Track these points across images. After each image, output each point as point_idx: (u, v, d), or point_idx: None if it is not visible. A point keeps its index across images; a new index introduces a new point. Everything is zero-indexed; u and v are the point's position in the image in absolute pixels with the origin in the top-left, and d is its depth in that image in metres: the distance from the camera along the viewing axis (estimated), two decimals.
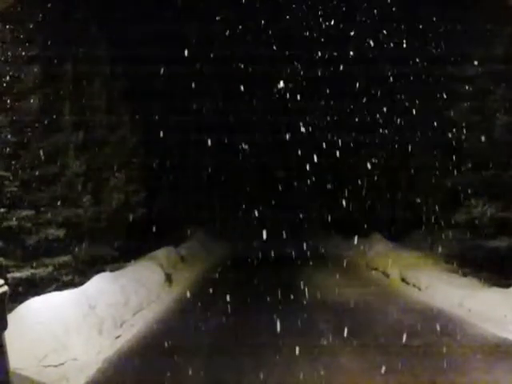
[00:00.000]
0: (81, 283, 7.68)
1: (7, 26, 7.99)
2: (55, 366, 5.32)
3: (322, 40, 15.42)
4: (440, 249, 10.93)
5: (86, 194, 9.64)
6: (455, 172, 10.35)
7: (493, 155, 9.32)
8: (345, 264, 13.14)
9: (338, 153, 17.80)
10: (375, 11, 13.03)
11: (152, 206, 12.08)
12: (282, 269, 12.59)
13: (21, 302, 6.13)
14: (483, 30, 9.65)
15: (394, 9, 12.51)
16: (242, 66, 16.25)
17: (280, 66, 16.34)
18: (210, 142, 17.77)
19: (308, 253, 15.59)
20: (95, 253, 9.12)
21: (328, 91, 16.14)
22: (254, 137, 19.41)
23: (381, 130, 15.37)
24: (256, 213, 18.58)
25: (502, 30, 9.12)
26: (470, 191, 9.78)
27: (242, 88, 14.90)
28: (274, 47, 15.31)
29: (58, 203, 8.52)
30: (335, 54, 15.12)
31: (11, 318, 4.74)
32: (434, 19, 11.09)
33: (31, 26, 8.51)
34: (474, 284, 8.40)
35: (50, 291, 7.05)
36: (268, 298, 8.64)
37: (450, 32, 10.98)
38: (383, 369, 5.15)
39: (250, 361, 5.49)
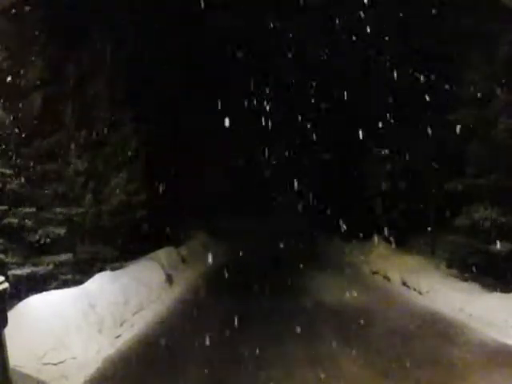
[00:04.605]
0: (81, 282, 7.66)
1: (10, 23, 7.98)
2: (55, 364, 5.31)
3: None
4: (441, 253, 10.91)
5: (87, 192, 9.62)
6: (456, 176, 10.32)
7: (494, 160, 9.30)
8: (345, 267, 13.13)
9: (339, 156, 17.87)
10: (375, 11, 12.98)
11: (153, 205, 12.04)
12: (283, 271, 12.57)
13: (21, 299, 6.12)
14: (484, 33, 9.64)
15: (393, 10, 12.50)
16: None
17: None
18: (211, 142, 17.83)
19: (309, 255, 15.59)
20: (96, 251, 9.09)
21: (331, 91, 16.13)
22: (255, 138, 19.45)
23: (382, 135, 15.36)
24: (257, 214, 18.64)
25: (503, 32, 9.09)
26: (471, 196, 9.75)
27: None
28: None
29: (60, 201, 8.50)
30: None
31: (11, 315, 4.72)
32: (434, 21, 11.09)
33: (34, 23, 8.50)
34: (474, 289, 8.39)
35: (50, 289, 7.02)
36: (268, 302, 8.61)
37: (450, 34, 10.96)
38: (383, 373, 5.15)
39: (248, 367, 5.44)
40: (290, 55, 15.97)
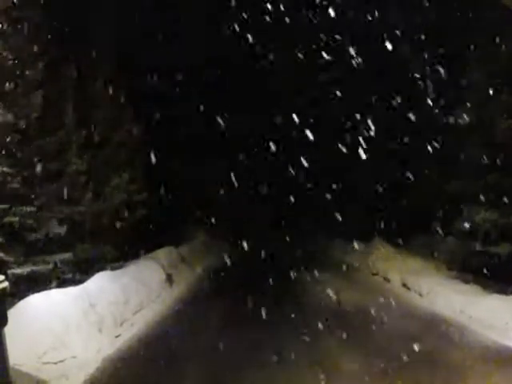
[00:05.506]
0: (81, 281, 7.66)
1: (10, 24, 7.98)
2: (54, 363, 5.30)
3: None
4: (441, 255, 10.89)
5: (87, 192, 9.62)
6: (457, 177, 10.32)
7: (494, 160, 9.29)
8: (345, 268, 13.11)
9: (340, 157, 17.83)
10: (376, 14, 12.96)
11: (153, 205, 12.04)
12: (282, 272, 12.55)
13: (21, 298, 6.12)
14: (485, 32, 9.65)
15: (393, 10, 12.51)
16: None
17: None
18: (212, 142, 17.82)
19: (309, 256, 15.58)
20: (96, 251, 9.09)
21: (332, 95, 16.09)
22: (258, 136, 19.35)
23: (383, 135, 15.35)
24: (257, 214, 18.64)
25: (504, 32, 9.09)
26: (471, 197, 9.74)
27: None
28: None
29: (60, 201, 8.50)
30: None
31: (11, 314, 4.72)
32: (434, 22, 11.10)
33: (34, 23, 8.50)
34: (475, 291, 8.37)
35: (50, 288, 7.03)
36: (267, 302, 8.58)
37: (450, 35, 10.97)
38: (383, 374, 5.14)
39: (247, 369, 5.42)
40: None
